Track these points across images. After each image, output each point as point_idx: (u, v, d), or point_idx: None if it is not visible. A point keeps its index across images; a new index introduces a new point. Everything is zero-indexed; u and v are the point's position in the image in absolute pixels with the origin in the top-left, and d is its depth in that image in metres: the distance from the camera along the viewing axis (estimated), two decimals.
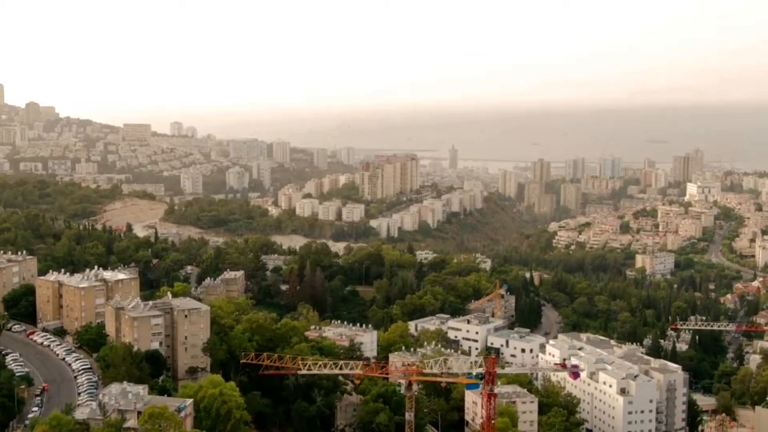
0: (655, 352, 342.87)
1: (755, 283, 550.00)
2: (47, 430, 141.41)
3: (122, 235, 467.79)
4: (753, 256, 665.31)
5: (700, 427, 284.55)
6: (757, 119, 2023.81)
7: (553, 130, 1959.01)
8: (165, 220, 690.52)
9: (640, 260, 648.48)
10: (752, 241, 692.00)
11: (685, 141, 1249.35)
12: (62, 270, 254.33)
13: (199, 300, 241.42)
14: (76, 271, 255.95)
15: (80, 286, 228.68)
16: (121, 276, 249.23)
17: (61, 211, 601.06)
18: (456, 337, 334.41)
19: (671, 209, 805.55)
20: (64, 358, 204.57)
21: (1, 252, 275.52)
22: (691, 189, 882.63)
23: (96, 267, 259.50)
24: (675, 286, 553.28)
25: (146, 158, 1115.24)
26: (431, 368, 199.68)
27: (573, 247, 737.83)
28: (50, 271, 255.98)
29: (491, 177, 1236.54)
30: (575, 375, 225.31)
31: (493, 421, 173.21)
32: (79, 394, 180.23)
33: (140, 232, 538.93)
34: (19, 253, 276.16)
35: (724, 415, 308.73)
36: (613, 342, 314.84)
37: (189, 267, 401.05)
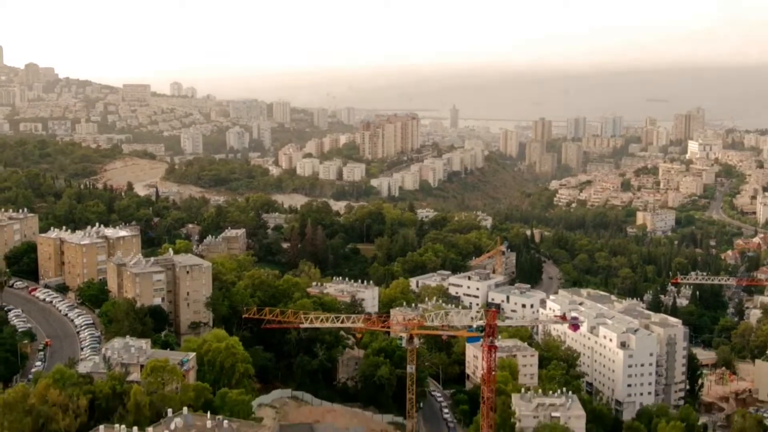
0: (656, 307, 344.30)
1: (756, 240, 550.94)
2: (51, 384, 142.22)
3: (123, 194, 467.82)
4: (754, 213, 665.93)
5: (699, 381, 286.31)
6: (759, 79, 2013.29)
7: (554, 91, 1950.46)
8: (165, 180, 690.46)
9: (641, 217, 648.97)
10: (753, 198, 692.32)
11: (685, 101, 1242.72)
12: (63, 228, 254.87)
13: (201, 257, 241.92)
14: (78, 229, 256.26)
15: (82, 243, 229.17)
16: (122, 233, 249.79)
17: (61, 171, 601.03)
18: (457, 293, 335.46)
19: (672, 167, 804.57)
20: (66, 314, 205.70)
21: (2, 210, 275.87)
22: (693, 147, 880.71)
23: (97, 225, 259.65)
24: (675, 242, 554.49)
25: (146, 118, 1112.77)
26: (432, 322, 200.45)
27: (574, 205, 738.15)
28: (51, 228, 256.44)
29: (492, 136, 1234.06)
30: (575, 327, 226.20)
31: (493, 373, 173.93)
32: (81, 348, 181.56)
33: (141, 191, 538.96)
34: (20, 211, 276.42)
35: (723, 368, 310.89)
36: (613, 297, 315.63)
37: (190, 225, 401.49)
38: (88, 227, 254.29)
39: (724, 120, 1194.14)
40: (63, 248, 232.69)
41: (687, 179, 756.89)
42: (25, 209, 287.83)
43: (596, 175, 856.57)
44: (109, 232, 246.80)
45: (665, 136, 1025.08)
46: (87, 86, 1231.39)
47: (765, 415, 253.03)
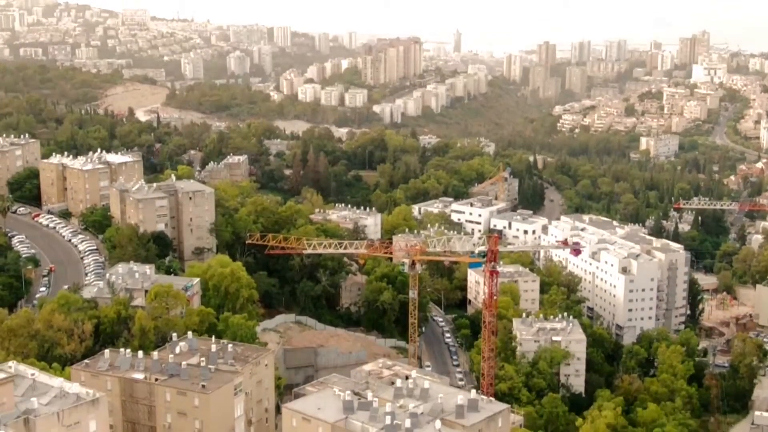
0: (658, 232, 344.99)
1: (759, 165, 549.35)
2: (56, 309, 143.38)
3: (124, 119, 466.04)
4: (757, 138, 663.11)
5: (700, 306, 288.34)
6: (765, 2, 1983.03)
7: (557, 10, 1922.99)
8: (166, 105, 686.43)
9: (644, 143, 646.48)
10: (757, 122, 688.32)
11: (691, 22, 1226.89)
12: (65, 154, 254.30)
13: (203, 184, 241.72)
14: (79, 155, 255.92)
15: (84, 168, 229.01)
16: (124, 159, 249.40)
17: (62, 96, 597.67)
18: (459, 219, 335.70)
19: (676, 91, 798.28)
20: (70, 240, 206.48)
21: (4, 136, 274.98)
22: (697, 71, 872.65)
23: (99, 151, 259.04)
24: (678, 168, 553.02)
25: (146, 43, 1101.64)
26: (434, 248, 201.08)
27: (577, 130, 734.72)
28: (53, 154, 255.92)
29: (496, 61, 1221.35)
30: (576, 252, 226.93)
31: (495, 298, 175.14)
32: (86, 274, 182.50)
33: (142, 116, 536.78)
34: (22, 137, 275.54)
35: (724, 293, 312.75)
36: (615, 223, 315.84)
37: (192, 152, 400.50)
38: (90, 153, 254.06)
39: (729, 44, 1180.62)
40: (65, 174, 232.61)
41: (691, 104, 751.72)
42: (27, 135, 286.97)
43: (600, 100, 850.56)
44: (111, 157, 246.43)
45: (670, 60, 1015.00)
46: (86, 10, 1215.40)
47: (765, 339, 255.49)
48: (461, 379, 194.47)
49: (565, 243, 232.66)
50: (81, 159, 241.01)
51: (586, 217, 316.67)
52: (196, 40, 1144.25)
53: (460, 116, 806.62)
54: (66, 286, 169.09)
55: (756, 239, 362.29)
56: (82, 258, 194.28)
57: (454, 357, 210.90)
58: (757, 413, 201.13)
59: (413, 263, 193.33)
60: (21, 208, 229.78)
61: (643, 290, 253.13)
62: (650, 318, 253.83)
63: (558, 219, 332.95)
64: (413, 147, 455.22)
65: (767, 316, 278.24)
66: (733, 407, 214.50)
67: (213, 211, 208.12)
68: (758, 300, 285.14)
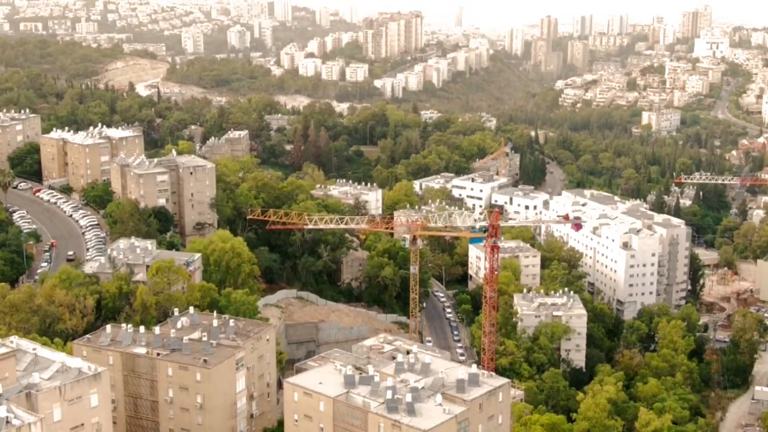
0: (659, 207, 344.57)
1: (761, 140, 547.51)
2: (57, 284, 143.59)
3: (125, 94, 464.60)
4: (759, 113, 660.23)
5: (701, 281, 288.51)
6: None
7: None
8: (167, 80, 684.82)
9: (646, 117, 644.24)
10: (759, 97, 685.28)
11: None
12: (66, 129, 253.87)
13: (204, 159, 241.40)
14: (80, 130, 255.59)
15: (85, 143, 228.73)
16: (125, 134, 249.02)
17: (62, 71, 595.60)
18: (460, 195, 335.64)
19: (679, 65, 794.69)
20: (71, 215, 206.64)
21: (4, 111, 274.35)
22: (699, 45, 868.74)
23: (99, 125, 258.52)
24: (680, 142, 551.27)
25: (146, 17, 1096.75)
26: (435, 223, 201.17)
27: (579, 105, 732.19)
28: (54, 129, 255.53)
29: (498, 35, 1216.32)
30: (577, 227, 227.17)
31: (496, 273, 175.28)
32: (87, 249, 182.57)
33: (143, 91, 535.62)
34: (22, 112, 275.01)
35: (725, 268, 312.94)
36: (616, 198, 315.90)
37: (192, 127, 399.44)
38: (91, 128, 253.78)
39: (732, 17, 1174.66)
40: (66, 149, 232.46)
41: (693, 78, 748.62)
42: (27, 110, 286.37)
43: (602, 74, 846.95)
44: (112, 132, 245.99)
45: (672, 34, 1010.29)
46: None
47: (766, 314, 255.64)
48: (462, 354, 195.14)
49: (566, 218, 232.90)
50: (81, 134, 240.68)
51: (587, 192, 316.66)
52: (197, 14, 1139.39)
53: (462, 91, 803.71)
54: (70, 253, 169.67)
55: (757, 214, 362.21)
56: (83, 233, 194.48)
57: (455, 332, 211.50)
58: (757, 388, 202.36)
59: (414, 238, 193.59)
60: (22, 184, 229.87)
61: (644, 265, 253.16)
62: (651, 293, 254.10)
63: (559, 194, 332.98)
64: (414, 122, 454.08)
65: None
66: (733, 382, 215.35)
67: (214, 186, 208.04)
68: (759, 275, 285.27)
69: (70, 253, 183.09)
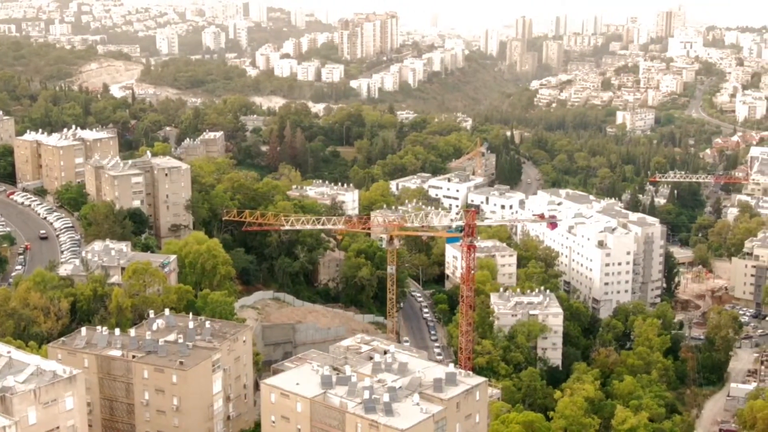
0: (634, 206, 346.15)
1: (735, 138, 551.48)
2: (32, 287, 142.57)
3: (99, 96, 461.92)
4: (733, 111, 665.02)
5: (676, 279, 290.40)
6: None
7: None
8: (141, 81, 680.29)
9: (620, 117, 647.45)
10: (733, 96, 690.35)
11: None
12: (40, 131, 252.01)
13: (180, 160, 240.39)
14: (54, 132, 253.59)
15: (59, 145, 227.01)
16: (99, 135, 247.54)
17: (36, 73, 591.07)
18: (437, 195, 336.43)
19: (653, 65, 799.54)
20: (45, 218, 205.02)
21: None
22: (673, 44, 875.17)
23: (74, 127, 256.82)
24: (654, 141, 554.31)
25: (120, 18, 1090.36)
26: (412, 223, 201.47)
27: (554, 105, 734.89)
28: (28, 131, 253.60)
29: (473, 36, 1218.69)
30: (553, 226, 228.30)
31: (472, 273, 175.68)
32: (61, 252, 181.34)
33: (117, 93, 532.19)
34: None
35: (700, 266, 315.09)
36: (592, 197, 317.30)
37: (167, 128, 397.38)
38: (65, 130, 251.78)
39: (705, 17, 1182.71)
40: (40, 151, 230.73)
41: (667, 77, 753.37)
42: (1, 112, 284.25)
43: (577, 74, 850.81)
44: (86, 134, 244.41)
45: (646, 34, 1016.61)
46: None
47: (740, 312, 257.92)
48: (439, 354, 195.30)
49: (541, 217, 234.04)
50: (56, 136, 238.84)
51: (562, 192, 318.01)
52: (171, 15, 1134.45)
53: (438, 91, 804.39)
54: (42, 265, 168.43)
55: (731, 212, 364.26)
56: (57, 235, 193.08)
57: (432, 332, 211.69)
58: (732, 385, 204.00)
59: (391, 239, 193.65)
60: None
61: (619, 264, 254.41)
62: (626, 291, 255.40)
63: (535, 194, 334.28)
64: (390, 122, 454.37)
65: (742, 289, 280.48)
66: (709, 379, 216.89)
67: (189, 187, 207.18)
68: (733, 273, 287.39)
69: (42, 231, 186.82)
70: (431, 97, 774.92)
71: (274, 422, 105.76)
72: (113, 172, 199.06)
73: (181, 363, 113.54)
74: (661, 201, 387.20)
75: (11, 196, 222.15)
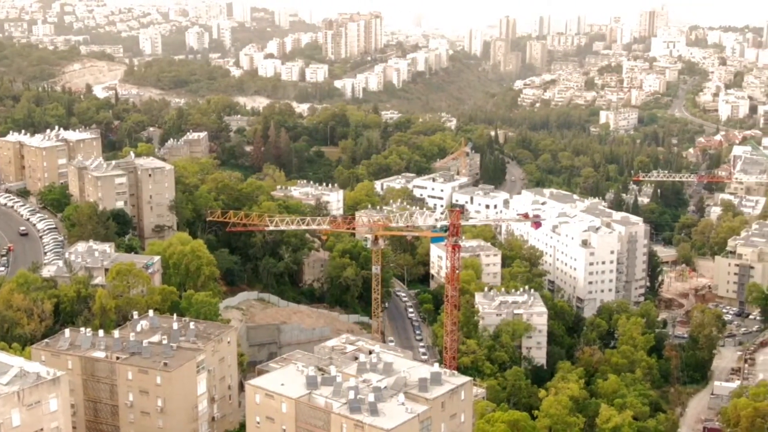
0: (618, 205, 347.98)
1: (718, 137, 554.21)
2: (15, 289, 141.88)
3: (82, 96, 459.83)
4: (716, 111, 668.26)
5: (660, 278, 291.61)
6: None
7: None
8: (125, 82, 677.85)
9: (604, 116, 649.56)
10: (716, 95, 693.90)
11: None
12: (23, 132, 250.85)
13: (163, 161, 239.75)
14: (37, 133, 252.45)
15: (42, 146, 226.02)
16: (82, 136, 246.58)
17: (19, 73, 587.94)
18: (421, 195, 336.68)
19: (636, 65, 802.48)
20: (28, 219, 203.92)
21: None
22: (656, 44, 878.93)
23: (57, 128, 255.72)
24: (638, 141, 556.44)
25: (103, 19, 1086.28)
26: (397, 223, 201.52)
27: (538, 104, 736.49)
28: (10, 132, 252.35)
29: (457, 36, 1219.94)
30: (537, 225, 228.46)
31: (457, 272, 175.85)
32: (45, 253, 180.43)
33: (100, 93, 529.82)
34: None
35: (684, 265, 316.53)
36: (575, 197, 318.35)
37: (151, 128, 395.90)
38: (48, 130, 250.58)
39: (688, 17, 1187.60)
40: (23, 152, 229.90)
41: (650, 77, 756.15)
42: None
43: (560, 74, 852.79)
44: (69, 135, 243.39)
45: (629, 33, 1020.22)
46: None
47: (724, 310, 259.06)
48: (424, 354, 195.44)
49: (525, 216, 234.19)
50: (39, 137, 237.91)
51: (546, 191, 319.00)
52: (155, 16, 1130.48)
53: (422, 91, 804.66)
54: (25, 266, 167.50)
55: (714, 211, 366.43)
56: (40, 237, 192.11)
57: (417, 331, 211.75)
58: (716, 383, 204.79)
59: (376, 239, 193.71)
60: None
61: (603, 263, 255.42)
62: (610, 290, 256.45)
63: (519, 193, 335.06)
64: (375, 122, 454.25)
65: (725, 287, 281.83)
66: (692, 378, 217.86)
67: (173, 188, 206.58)
68: (717, 271, 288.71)
69: (23, 228, 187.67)
70: (415, 97, 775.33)
71: (258, 423, 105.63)
72: (96, 173, 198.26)
73: (165, 364, 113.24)
74: (644, 200, 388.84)
75: None
